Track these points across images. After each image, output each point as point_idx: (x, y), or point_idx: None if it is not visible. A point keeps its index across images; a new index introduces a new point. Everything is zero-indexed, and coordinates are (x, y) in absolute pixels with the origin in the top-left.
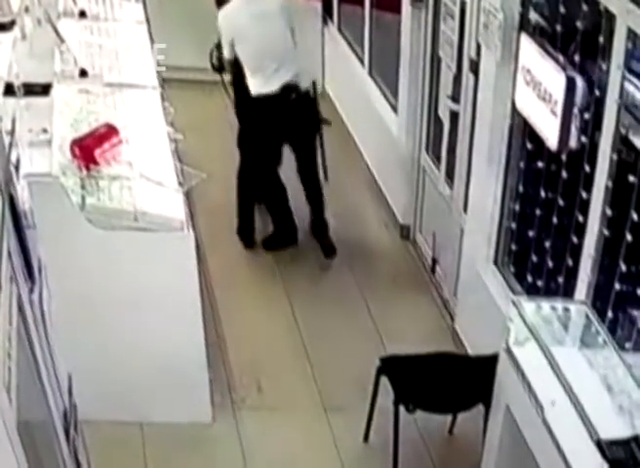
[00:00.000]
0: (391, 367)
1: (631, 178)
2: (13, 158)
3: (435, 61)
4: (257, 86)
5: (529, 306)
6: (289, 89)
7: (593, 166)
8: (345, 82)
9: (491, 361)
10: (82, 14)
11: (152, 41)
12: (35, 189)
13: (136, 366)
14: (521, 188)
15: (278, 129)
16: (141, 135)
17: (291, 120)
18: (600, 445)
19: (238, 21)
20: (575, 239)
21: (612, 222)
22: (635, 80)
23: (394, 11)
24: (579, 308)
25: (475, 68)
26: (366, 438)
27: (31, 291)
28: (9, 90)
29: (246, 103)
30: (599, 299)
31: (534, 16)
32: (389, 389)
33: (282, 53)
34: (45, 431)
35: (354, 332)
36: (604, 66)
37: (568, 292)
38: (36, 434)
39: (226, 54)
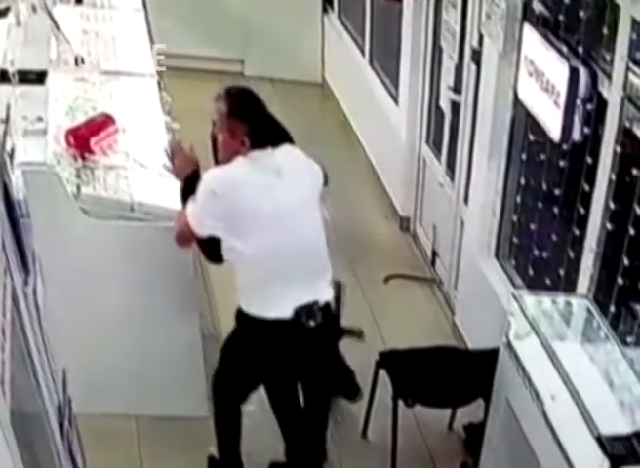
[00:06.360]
0: (390, 361)
1: (635, 171)
2: (7, 146)
3: (437, 51)
4: (258, 305)
5: (530, 300)
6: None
7: (596, 158)
8: (345, 72)
9: (491, 355)
10: (78, 0)
11: (149, 28)
12: (30, 178)
13: (131, 358)
14: (523, 180)
15: (284, 369)
16: (138, 124)
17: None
18: (601, 440)
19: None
20: (577, 232)
21: (615, 216)
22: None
23: None
24: (580, 302)
25: (477, 58)
26: (364, 433)
27: (26, 282)
28: (3, 77)
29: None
30: (601, 293)
31: (537, 5)
32: (388, 383)
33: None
34: (39, 424)
35: (353, 326)
36: (608, 57)
37: (569, 285)
38: (30, 427)
39: (201, 233)
